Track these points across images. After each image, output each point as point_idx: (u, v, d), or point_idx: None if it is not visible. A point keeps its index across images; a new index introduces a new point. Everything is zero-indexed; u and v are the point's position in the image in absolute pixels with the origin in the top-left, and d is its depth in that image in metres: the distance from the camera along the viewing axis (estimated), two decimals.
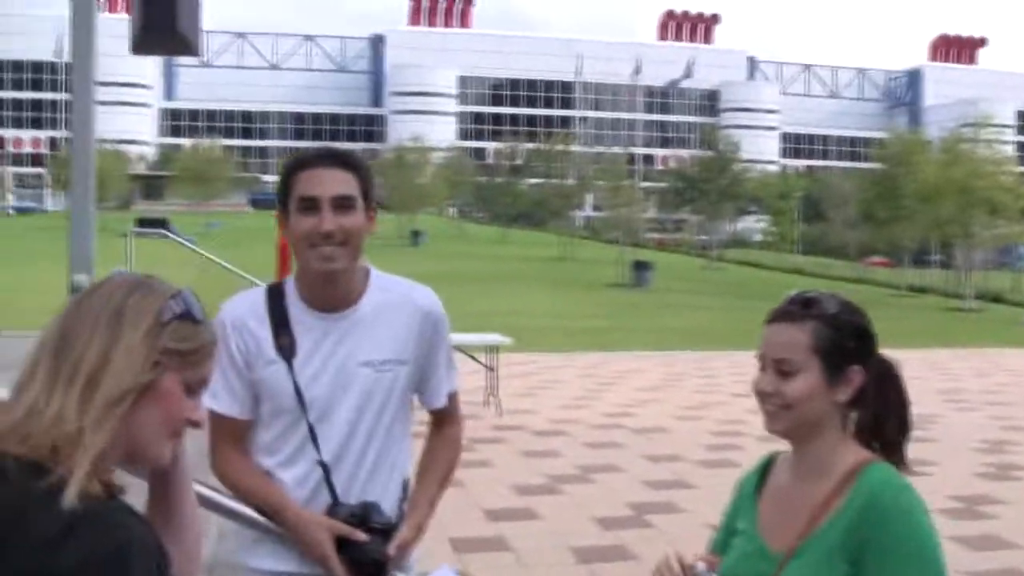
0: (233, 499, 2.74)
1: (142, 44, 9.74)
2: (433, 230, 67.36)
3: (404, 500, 2.83)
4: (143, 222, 53.46)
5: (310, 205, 2.63)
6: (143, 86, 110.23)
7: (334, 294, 2.73)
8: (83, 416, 1.53)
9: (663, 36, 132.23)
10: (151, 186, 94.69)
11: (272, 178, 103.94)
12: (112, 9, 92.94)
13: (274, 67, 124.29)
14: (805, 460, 2.23)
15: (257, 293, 2.83)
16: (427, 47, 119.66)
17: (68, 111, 6.22)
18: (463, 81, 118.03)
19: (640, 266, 42.75)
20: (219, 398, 2.72)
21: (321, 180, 2.64)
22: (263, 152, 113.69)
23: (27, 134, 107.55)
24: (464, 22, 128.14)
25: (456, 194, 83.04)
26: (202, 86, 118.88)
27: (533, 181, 76.89)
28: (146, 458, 1.67)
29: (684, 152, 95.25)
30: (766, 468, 2.37)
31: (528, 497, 8.60)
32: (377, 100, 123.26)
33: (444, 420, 2.98)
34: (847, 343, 2.16)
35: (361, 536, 2.65)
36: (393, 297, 2.81)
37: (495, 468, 9.72)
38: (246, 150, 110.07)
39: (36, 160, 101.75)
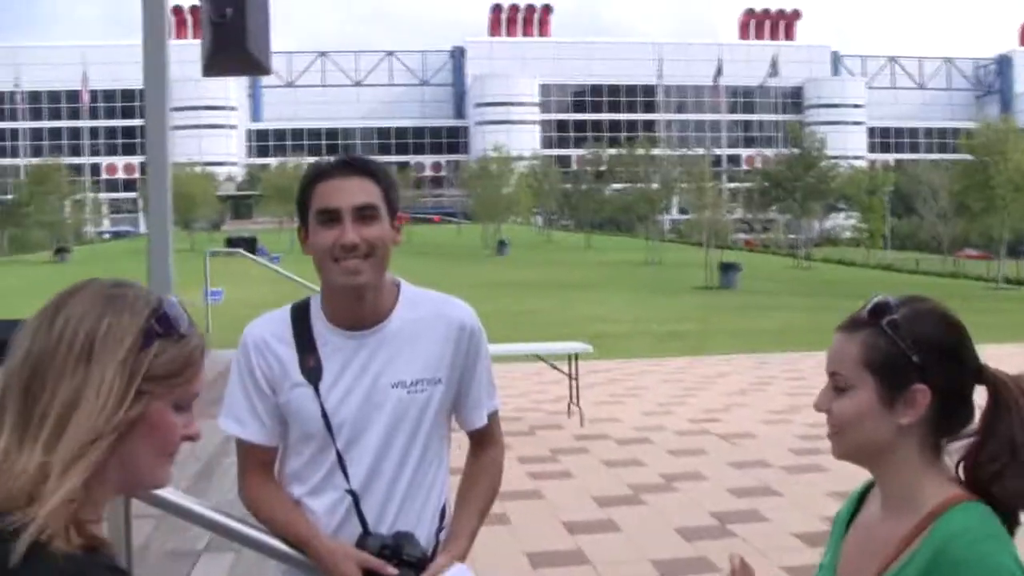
0: (261, 531, 2.64)
1: (213, 66, 9.75)
2: (519, 239, 67.57)
3: (441, 529, 2.69)
4: (231, 242, 54.42)
5: (331, 217, 2.50)
6: (230, 108, 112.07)
7: (361, 310, 2.59)
8: (49, 465, 1.41)
9: (744, 36, 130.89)
10: (240, 206, 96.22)
11: None
12: (181, 35, 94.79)
13: (357, 84, 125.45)
14: (886, 491, 1.94)
15: (281, 313, 2.69)
16: (508, 57, 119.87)
17: None
18: (545, 89, 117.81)
19: (727, 268, 42.37)
20: (246, 425, 2.63)
21: (341, 190, 2.51)
22: None
23: (120, 160, 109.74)
24: (544, 30, 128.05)
25: (541, 202, 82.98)
26: (287, 105, 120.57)
27: (618, 186, 76.47)
28: (145, 486, 1.60)
29: (769, 151, 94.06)
30: (862, 497, 2.07)
31: (609, 508, 8.43)
32: (460, 112, 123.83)
33: (484, 442, 2.82)
34: (908, 357, 1.84)
35: (391, 571, 2.51)
36: (424, 312, 2.65)
37: (576, 479, 9.59)
38: None
39: (129, 185, 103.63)
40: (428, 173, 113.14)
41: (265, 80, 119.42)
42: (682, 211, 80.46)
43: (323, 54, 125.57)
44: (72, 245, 71.30)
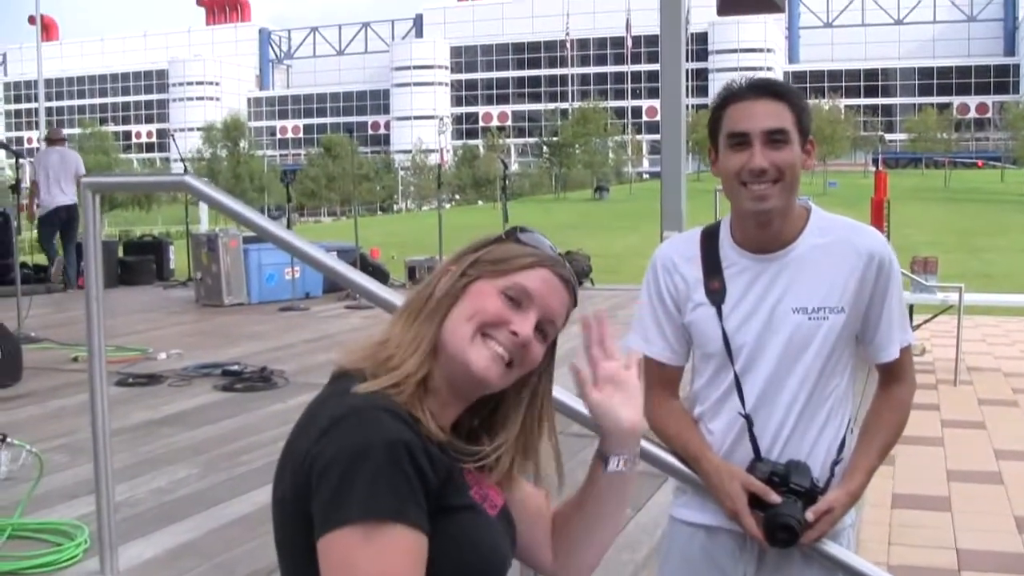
0: (656, 446, 2.71)
1: (727, 4, 10.07)
2: None
3: (838, 462, 2.62)
4: None
5: (741, 141, 2.49)
6: (768, 50, 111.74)
7: (768, 234, 2.56)
8: (405, 334, 1.73)
9: None
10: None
11: (898, 137, 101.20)
12: None
13: (898, 22, 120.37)
14: None
15: (692, 235, 2.71)
16: None
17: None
18: None
19: None
20: (652, 343, 2.69)
21: (752, 114, 2.49)
22: (887, 110, 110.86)
23: (647, 103, 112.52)
24: None
25: None
26: (825, 47, 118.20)
27: None
28: (461, 362, 1.70)
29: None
30: None
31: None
32: (1010, 49, 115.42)
33: (892, 378, 2.70)
34: None
35: (774, 498, 2.51)
36: (832, 239, 2.58)
37: None
38: (870, 109, 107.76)
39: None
40: (972, 115, 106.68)
41: (803, 21, 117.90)
42: None
43: None
44: (611, 184, 74.53)
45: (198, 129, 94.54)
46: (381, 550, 1.48)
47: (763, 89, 2.53)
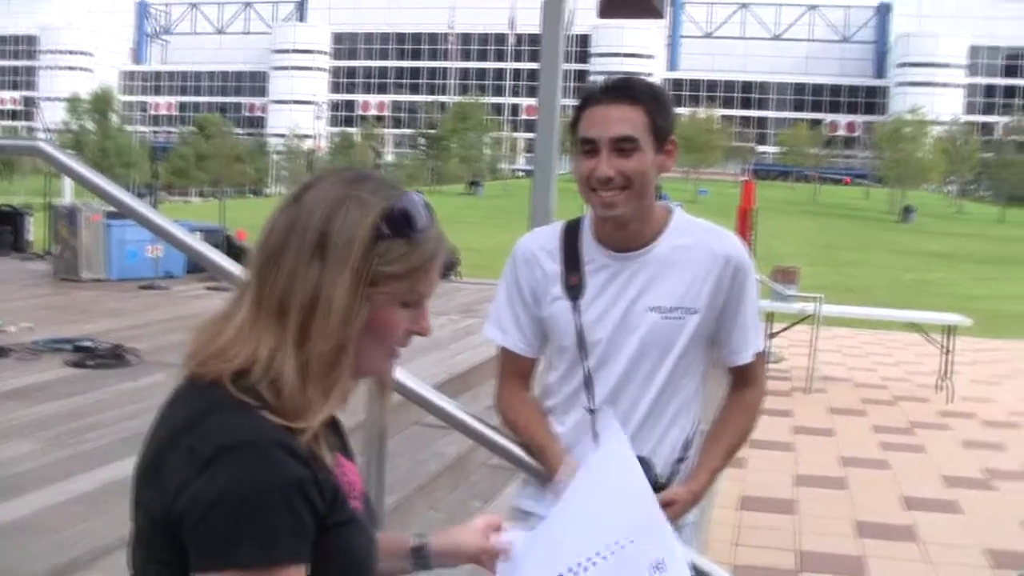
0: (504, 437, 2.75)
1: (609, 8, 10.10)
2: (926, 207, 64.49)
3: (681, 460, 2.66)
4: None
5: (590, 148, 2.51)
6: (647, 56, 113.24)
7: (626, 234, 2.59)
8: (306, 380, 1.50)
9: None
10: None
11: (770, 149, 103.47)
12: None
13: (775, 37, 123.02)
14: None
15: (553, 229, 2.72)
16: (937, 15, 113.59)
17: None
18: (974, 51, 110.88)
19: None
20: (507, 333, 2.70)
21: (603, 120, 2.49)
22: (761, 123, 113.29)
23: (526, 101, 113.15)
24: None
25: (956, 170, 78.55)
26: (704, 56, 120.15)
27: None
28: (367, 375, 1.65)
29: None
30: None
31: (955, 490, 8.15)
32: (880, 71, 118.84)
33: (743, 382, 2.74)
34: None
35: None
36: (691, 241, 2.61)
37: (928, 455, 9.32)
38: (744, 120, 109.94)
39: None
40: (841, 133, 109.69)
41: (684, 30, 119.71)
42: None
43: (744, 6, 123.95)
44: (486, 180, 74.70)
45: (65, 100, 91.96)
46: None
47: (618, 92, 2.52)
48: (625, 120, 2.49)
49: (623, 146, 2.49)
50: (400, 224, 1.53)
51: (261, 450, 1.42)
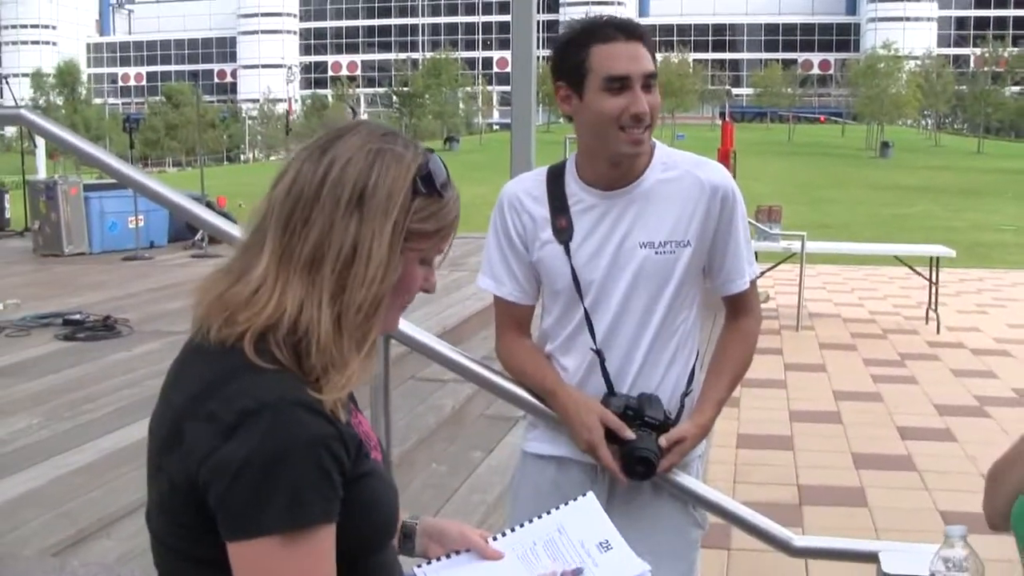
0: (512, 382, 2.77)
1: None
2: (904, 142, 64.55)
3: (687, 395, 2.66)
4: None
5: (620, 85, 2.44)
6: (618, 3, 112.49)
7: (619, 173, 2.56)
8: (340, 332, 1.49)
9: None
10: None
11: (745, 91, 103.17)
12: None
13: None
14: None
15: (537, 173, 2.68)
16: None
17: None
18: None
19: None
20: (502, 283, 2.68)
21: (632, 55, 2.45)
22: (734, 65, 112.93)
23: (498, 55, 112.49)
24: None
25: (931, 104, 78.62)
26: (674, 1, 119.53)
27: (1017, 89, 71.04)
28: (387, 331, 1.66)
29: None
30: None
31: (949, 418, 8.18)
32: (852, 8, 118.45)
33: (739, 310, 2.73)
34: None
35: (628, 435, 2.52)
36: (677, 173, 2.58)
37: (920, 386, 9.34)
38: (717, 63, 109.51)
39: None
40: (815, 72, 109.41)
41: None
42: None
43: None
44: (462, 135, 74.39)
45: (28, 75, 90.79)
46: (303, 555, 1.42)
47: (631, 31, 2.49)
48: (647, 57, 2.49)
49: (650, 82, 2.48)
50: (433, 182, 1.54)
51: (284, 412, 1.42)
